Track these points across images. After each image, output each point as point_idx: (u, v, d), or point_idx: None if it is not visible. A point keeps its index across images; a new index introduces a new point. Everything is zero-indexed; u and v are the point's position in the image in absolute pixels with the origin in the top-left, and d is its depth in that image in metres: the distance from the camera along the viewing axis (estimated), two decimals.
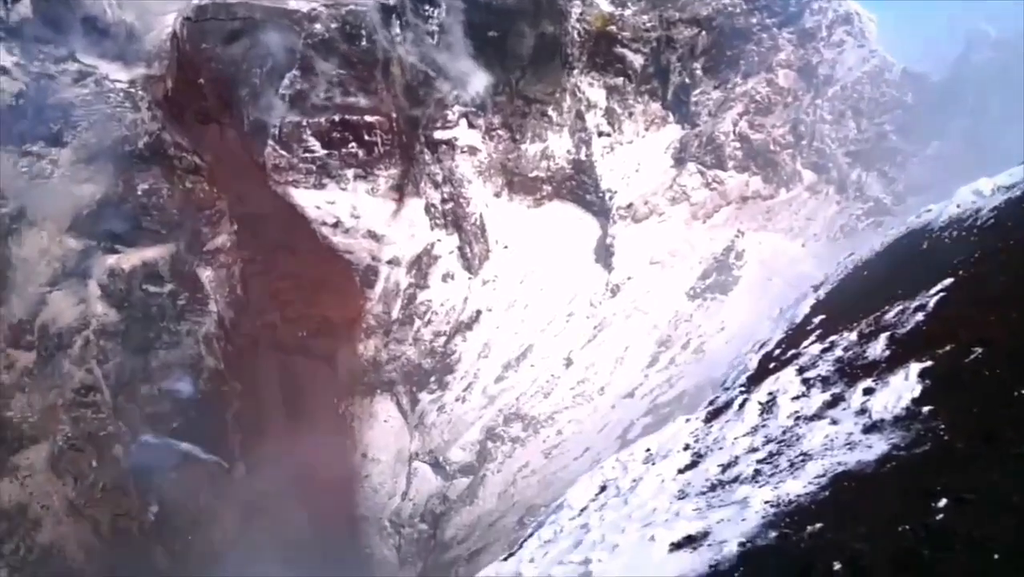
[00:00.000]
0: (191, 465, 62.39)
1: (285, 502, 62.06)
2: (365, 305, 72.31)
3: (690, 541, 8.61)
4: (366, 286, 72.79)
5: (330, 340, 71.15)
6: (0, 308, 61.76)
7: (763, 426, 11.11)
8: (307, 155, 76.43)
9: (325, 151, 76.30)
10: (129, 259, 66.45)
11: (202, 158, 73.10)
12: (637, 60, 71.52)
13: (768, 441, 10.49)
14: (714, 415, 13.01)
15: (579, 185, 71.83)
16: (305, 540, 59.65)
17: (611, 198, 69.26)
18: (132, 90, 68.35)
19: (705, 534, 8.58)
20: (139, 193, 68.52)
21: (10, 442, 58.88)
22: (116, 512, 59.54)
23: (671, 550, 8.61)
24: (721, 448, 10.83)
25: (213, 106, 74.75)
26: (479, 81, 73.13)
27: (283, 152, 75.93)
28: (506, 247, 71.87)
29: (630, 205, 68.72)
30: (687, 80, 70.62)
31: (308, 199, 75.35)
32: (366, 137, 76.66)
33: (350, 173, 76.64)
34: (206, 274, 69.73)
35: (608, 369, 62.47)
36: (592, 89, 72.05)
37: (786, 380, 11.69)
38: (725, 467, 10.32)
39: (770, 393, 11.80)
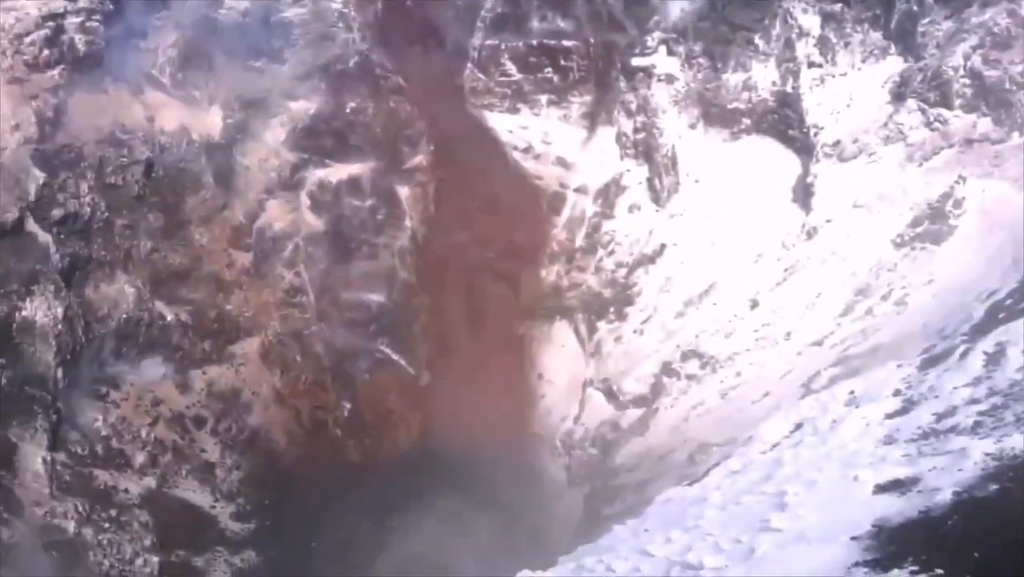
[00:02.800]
0: (382, 369, 66.89)
1: (463, 412, 65.25)
2: (550, 231, 73.09)
3: (898, 485, 8.27)
4: (552, 212, 73.43)
5: (514, 263, 72.80)
6: (225, 211, 68.16)
7: (987, 377, 10.36)
8: (503, 79, 77.30)
9: (521, 75, 76.83)
10: (336, 173, 70.95)
11: (405, 79, 75.98)
12: None
13: (992, 393, 9.78)
14: (930, 363, 12.23)
15: (782, 119, 68.06)
16: (478, 452, 62.57)
17: (816, 134, 65.17)
18: (345, 10, 71.73)
19: (915, 480, 8.21)
20: (347, 111, 72.55)
21: (228, 332, 65.55)
22: (315, 405, 65.18)
23: (876, 492, 8.32)
24: (937, 396, 10.22)
25: (418, 27, 77.00)
26: (683, 5, 70.40)
27: (481, 75, 77.23)
28: (697, 181, 69.84)
29: (837, 143, 64.39)
30: (915, 8, 64.35)
31: (502, 123, 76.52)
32: (562, 62, 76.31)
33: (544, 99, 76.82)
34: (403, 191, 73.05)
35: (797, 314, 59.86)
36: (806, 16, 67.37)
37: (1017, 332, 10.76)
38: (940, 416, 9.74)
39: (998, 344, 10.92)
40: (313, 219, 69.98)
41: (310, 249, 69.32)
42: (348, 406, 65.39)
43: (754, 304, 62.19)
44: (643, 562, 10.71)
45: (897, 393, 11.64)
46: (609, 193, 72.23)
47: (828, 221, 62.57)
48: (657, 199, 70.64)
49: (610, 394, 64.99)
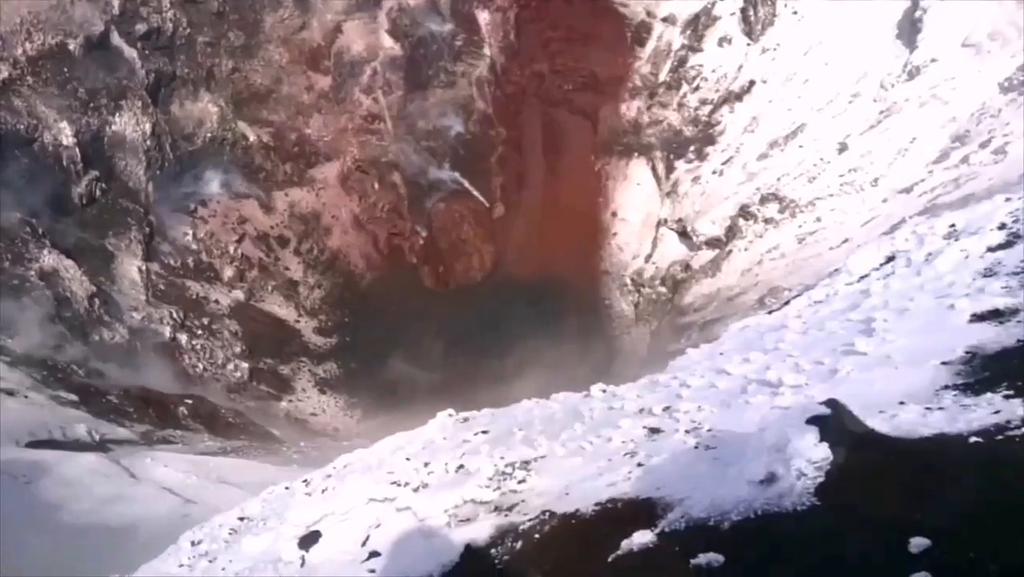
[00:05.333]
0: (457, 198, 67.54)
1: (535, 246, 65.98)
2: (633, 64, 70.41)
3: (996, 315, 8.12)
4: (637, 44, 70.41)
5: (594, 96, 70.90)
6: (303, 32, 67.39)
7: None
8: None
9: None
10: None
11: None
12: None
13: None
14: None
15: None
16: (548, 285, 63.65)
17: None
18: None
19: (1015, 311, 8.04)
20: None
21: (308, 156, 66.64)
22: (392, 231, 66.76)
23: (972, 320, 8.20)
24: None
25: None
26: None
27: None
28: (795, 12, 65.50)
29: None
30: None
31: None
32: None
33: None
34: (483, 17, 70.75)
35: (887, 160, 57.29)
36: None
37: None
38: None
39: None
40: (391, 43, 68.74)
41: (388, 75, 68.61)
42: (423, 234, 66.75)
43: (843, 148, 59.65)
44: (719, 379, 10.93)
45: (1002, 227, 11.20)
46: (699, 24, 68.52)
47: (932, 60, 58.40)
48: (750, 32, 66.79)
49: (684, 234, 64.49)
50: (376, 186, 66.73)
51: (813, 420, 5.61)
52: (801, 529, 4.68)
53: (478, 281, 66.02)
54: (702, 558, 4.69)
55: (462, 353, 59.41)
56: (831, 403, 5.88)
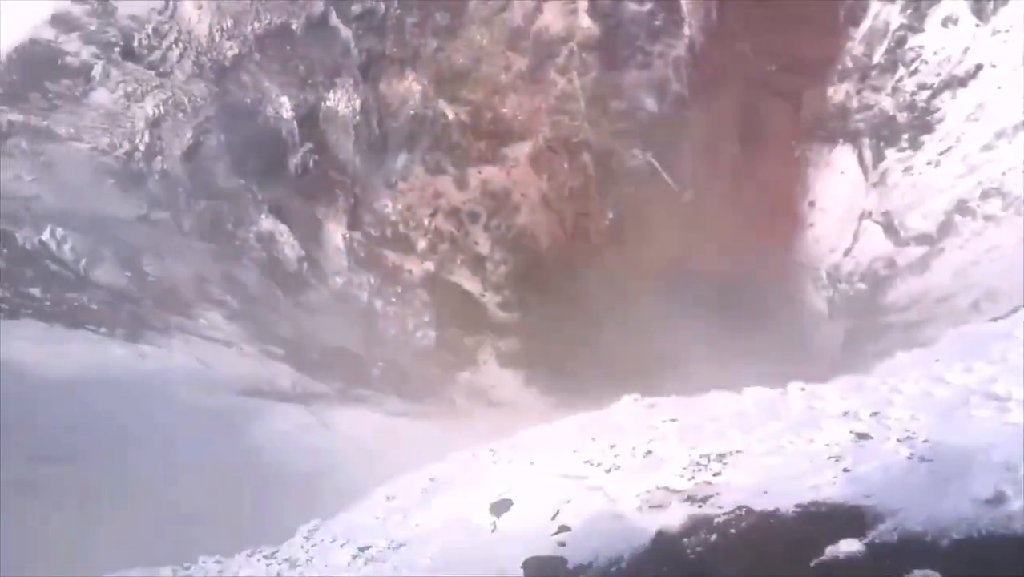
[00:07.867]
0: (647, 181, 66.63)
1: (725, 233, 63.95)
2: (844, 44, 66.30)
3: None
4: (850, 23, 66.22)
5: (799, 78, 67.47)
6: (504, 12, 68.78)
7: None
8: None
9: None
10: None
11: None
12: None
13: None
14: None
15: None
16: (737, 274, 61.63)
17: None
18: None
19: None
20: None
21: (502, 135, 68.12)
22: (578, 212, 67.05)
23: None
24: None
25: None
26: None
27: None
28: None
29: None
30: None
31: None
32: None
33: None
34: None
35: None
36: None
37: None
38: None
39: None
40: (589, 23, 68.72)
41: (584, 55, 68.66)
42: (610, 216, 66.58)
43: None
44: (936, 387, 10.18)
45: None
46: (921, 2, 63.29)
47: None
48: (980, 11, 60.81)
49: (890, 228, 60.35)
50: (566, 166, 67.23)
51: None
52: None
53: (664, 266, 64.91)
54: (917, 574, 4.46)
55: (644, 338, 58.74)
56: None
